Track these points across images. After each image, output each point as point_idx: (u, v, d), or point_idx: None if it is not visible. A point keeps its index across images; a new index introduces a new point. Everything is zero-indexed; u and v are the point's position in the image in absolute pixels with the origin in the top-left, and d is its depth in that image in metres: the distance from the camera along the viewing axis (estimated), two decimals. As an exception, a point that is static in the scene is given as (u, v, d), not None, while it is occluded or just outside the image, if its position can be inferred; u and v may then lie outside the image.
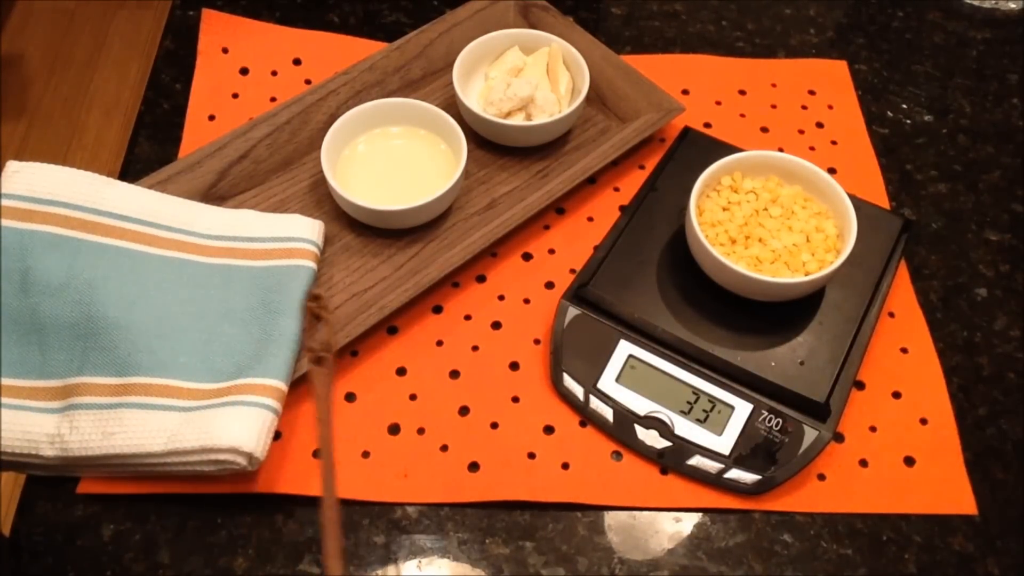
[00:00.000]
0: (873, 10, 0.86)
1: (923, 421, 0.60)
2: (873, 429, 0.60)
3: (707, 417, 0.58)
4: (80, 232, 0.57)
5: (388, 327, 0.62)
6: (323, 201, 0.67)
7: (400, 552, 0.54)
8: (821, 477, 0.58)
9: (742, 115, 0.76)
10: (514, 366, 0.61)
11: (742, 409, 0.58)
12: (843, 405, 0.58)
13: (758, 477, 0.56)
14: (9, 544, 0.53)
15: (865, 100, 0.78)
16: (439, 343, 0.62)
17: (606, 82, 0.74)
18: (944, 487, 0.58)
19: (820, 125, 0.76)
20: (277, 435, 0.56)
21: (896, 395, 0.61)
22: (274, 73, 0.75)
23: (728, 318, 0.61)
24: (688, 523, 0.56)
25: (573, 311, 0.61)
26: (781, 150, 0.72)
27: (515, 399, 0.59)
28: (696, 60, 0.79)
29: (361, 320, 0.59)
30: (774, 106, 0.77)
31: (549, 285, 0.65)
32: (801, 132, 0.75)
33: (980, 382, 0.63)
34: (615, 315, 0.61)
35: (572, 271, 0.65)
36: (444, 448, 0.57)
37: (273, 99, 0.73)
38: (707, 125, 0.75)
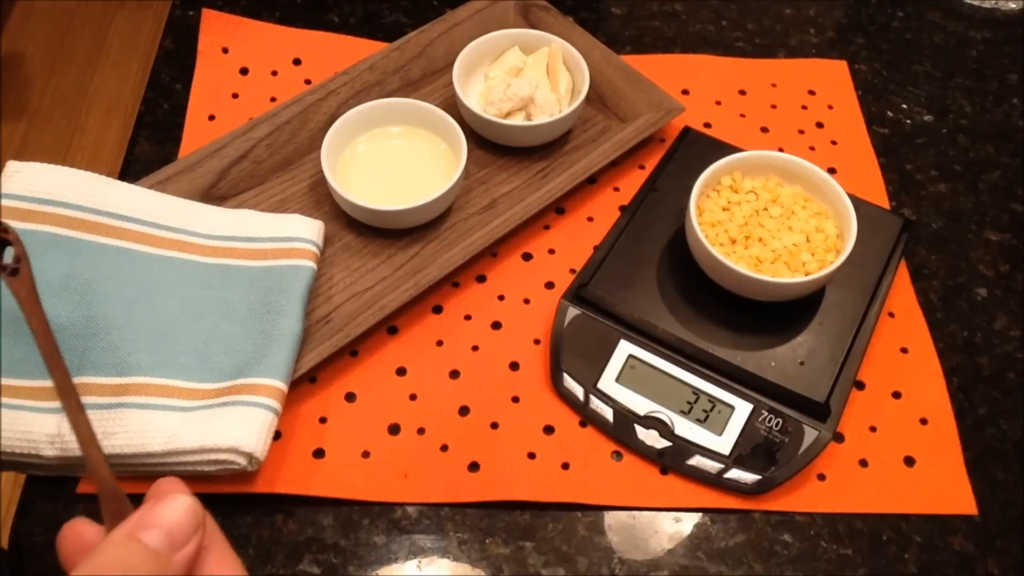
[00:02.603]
0: (873, 10, 0.86)
1: (923, 421, 0.60)
2: (873, 429, 0.60)
3: (707, 417, 0.58)
4: (80, 232, 0.57)
5: (388, 327, 0.62)
6: (323, 201, 0.67)
7: (400, 552, 0.54)
8: (821, 477, 0.58)
9: (742, 115, 0.76)
10: (514, 366, 0.61)
11: (742, 409, 0.58)
12: (843, 405, 0.58)
13: (758, 477, 0.56)
14: (9, 544, 0.54)
15: (865, 100, 0.78)
16: (439, 343, 0.62)
17: (606, 82, 0.74)
18: (944, 487, 0.58)
19: (820, 125, 0.76)
20: (277, 435, 0.56)
21: (896, 395, 0.61)
22: (274, 73, 0.75)
23: (728, 318, 0.61)
24: (688, 523, 0.56)
25: (573, 311, 0.61)
26: (781, 150, 0.72)
27: (515, 399, 0.59)
28: (696, 60, 0.79)
29: (361, 320, 0.59)
30: (774, 106, 0.77)
31: (549, 285, 0.65)
32: (801, 132, 0.75)
33: (980, 382, 0.63)
34: (615, 315, 0.61)
35: (572, 271, 0.65)
36: (444, 448, 0.57)
37: (273, 99, 0.73)
38: (707, 125, 0.75)
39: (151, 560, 0.29)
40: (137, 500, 0.55)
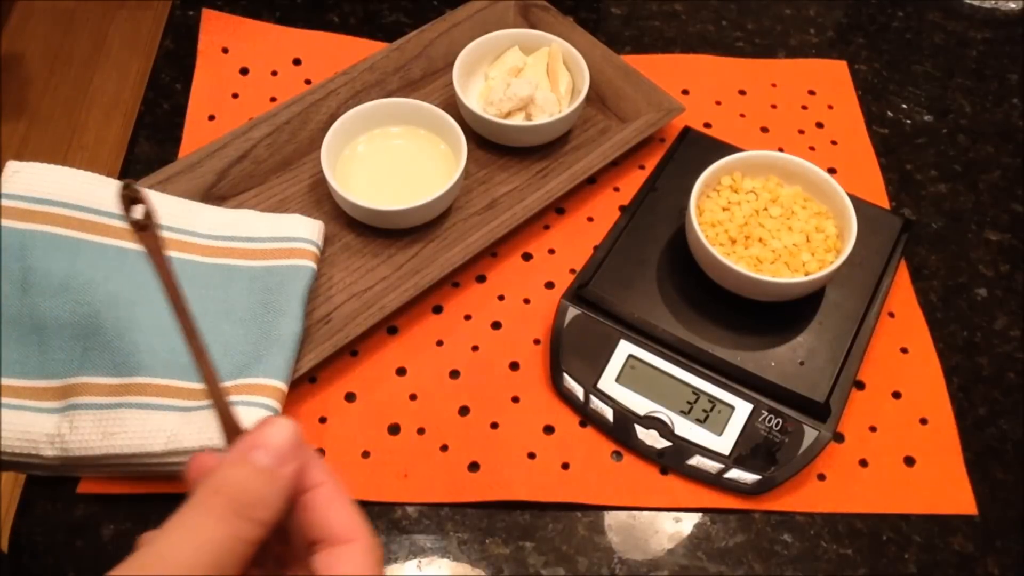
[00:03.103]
0: (873, 10, 0.86)
1: (923, 421, 0.60)
2: (873, 429, 0.60)
3: (707, 417, 0.58)
4: (80, 232, 0.57)
5: (388, 327, 0.62)
6: (323, 201, 0.67)
7: (400, 552, 0.54)
8: (821, 477, 0.58)
9: (742, 115, 0.76)
10: (514, 366, 0.61)
11: (742, 409, 0.58)
12: (843, 405, 0.58)
13: (758, 477, 0.56)
14: (9, 544, 0.53)
15: (865, 100, 0.78)
16: (439, 343, 0.62)
17: (606, 82, 0.74)
18: (944, 487, 0.58)
19: (820, 125, 0.76)
20: (277, 435, 0.56)
21: (896, 395, 0.61)
22: (274, 73, 0.75)
23: (728, 318, 0.61)
24: (688, 523, 0.56)
25: (573, 311, 0.61)
26: (781, 150, 0.72)
27: (515, 399, 0.59)
28: (696, 60, 0.79)
29: (361, 320, 0.59)
30: (774, 106, 0.77)
31: (549, 285, 0.65)
32: (801, 132, 0.75)
33: (980, 382, 0.63)
34: (615, 315, 0.61)
35: (572, 271, 0.65)
36: (444, 448, 0.57)
37: (273, 99, 0.73)
38: (707, 125, 0.75)
39: (261, 477, 0.32)
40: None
